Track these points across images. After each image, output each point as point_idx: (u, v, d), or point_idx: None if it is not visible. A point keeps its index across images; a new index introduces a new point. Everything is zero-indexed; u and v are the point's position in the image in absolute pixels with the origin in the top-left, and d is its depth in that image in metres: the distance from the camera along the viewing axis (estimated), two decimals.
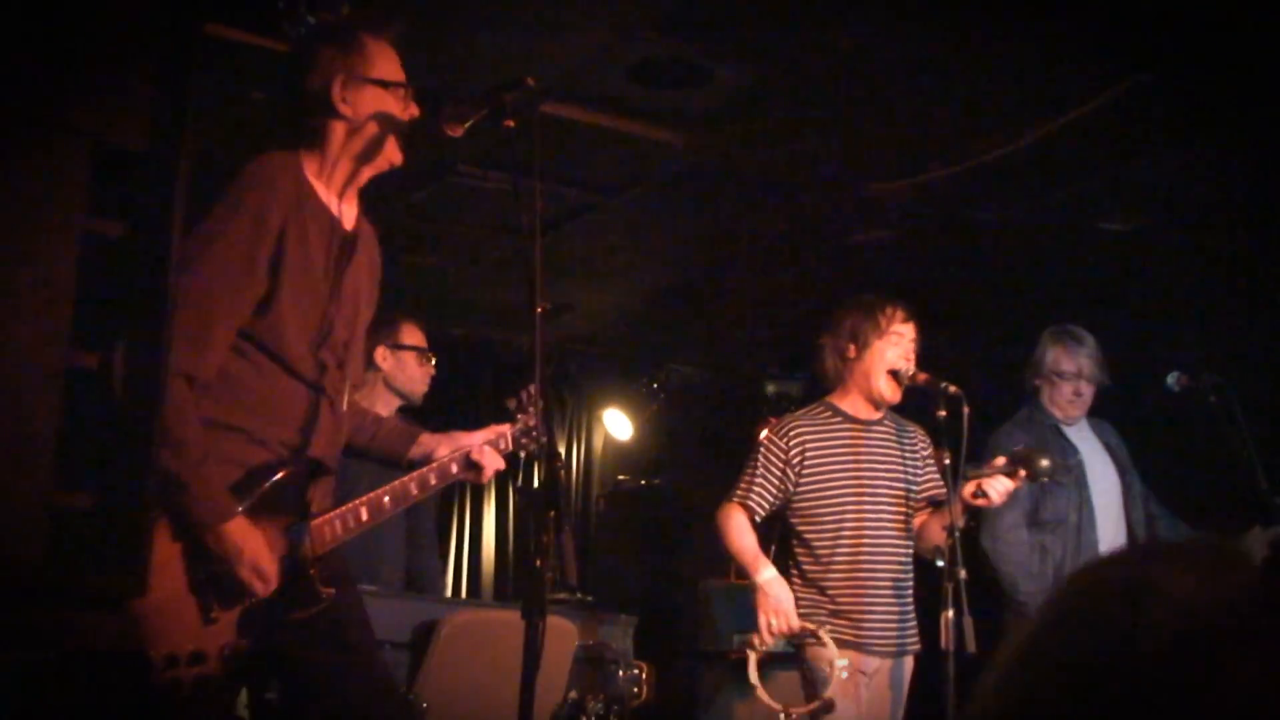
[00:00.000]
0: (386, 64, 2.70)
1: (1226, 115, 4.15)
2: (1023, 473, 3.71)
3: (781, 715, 3.67)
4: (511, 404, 3.11)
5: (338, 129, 2.64)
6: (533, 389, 3.06)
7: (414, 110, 2.69)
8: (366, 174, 2.71)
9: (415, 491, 2.82)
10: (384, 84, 2.65)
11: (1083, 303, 5.80)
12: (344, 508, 2.67)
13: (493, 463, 2.92)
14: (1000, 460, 3.75)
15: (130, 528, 1.32)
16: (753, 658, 3.81)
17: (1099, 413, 4.61)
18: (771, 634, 3.77)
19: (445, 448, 2.91)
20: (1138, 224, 5.19)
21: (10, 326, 1.30)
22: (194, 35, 1.55)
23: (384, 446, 2.96)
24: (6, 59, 1.39)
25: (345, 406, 2.74)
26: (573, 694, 3.93)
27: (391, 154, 2.69)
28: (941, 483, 3.80)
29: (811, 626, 3.75)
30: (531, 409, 3.07)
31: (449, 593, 7.42)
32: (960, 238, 5.53)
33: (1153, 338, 5.15)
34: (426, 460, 2.89)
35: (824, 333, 4.03)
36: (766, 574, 3.79)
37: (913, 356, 3.90)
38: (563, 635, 3.80)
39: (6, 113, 1.38)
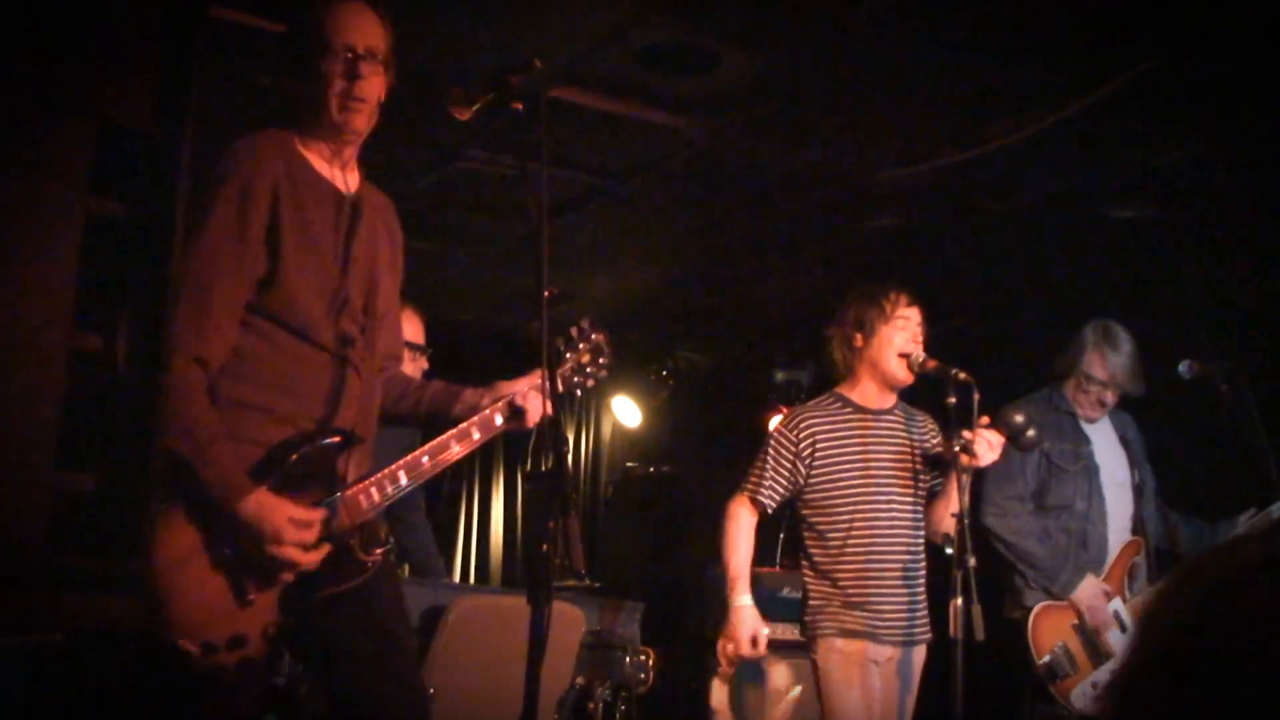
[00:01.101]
0: (341, 27, 2.57)
1: (1238, 102, 4.12)
2: (1004, 429, 3.69)
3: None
4: (560, 342, 2.95)
5: (305, 100, 2.60)
6: (585, 323, 3.00)
7: (364, 73, 2.57)
8: (344, 142, 2.64)
9: (457, 447, 2.71)
10: (321, 53, 2.54)
11: (1093, 290, 5.78)
12: (380, 473, 2.60)
13: (538, 408, 2.77)
14: (984, 419, 3.71)
15: (132, 508, 1.32)
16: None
17: (1119, 403, 4.51)
18: (728, 659, 3.77)
19: (489, 400, 2.79)
20: (1148, 211, 5.16)
21: (14, 308, 1.29)
22: (199, 17, 1.55)
23: (428, 410, 2.86)
24: (13, 39, 1.38)
25: (376, 374, 2.69)
26: (580, 680, 3.94)
27: (342, 120, 2.59)
28: (940, 445, 3.82)
29: (763, 655, 3.78)
30: (583, 345, 2.98)
31: (456, 578, 7.45)
32: (970, 225, 5.51)
33: (1164, 325, 5.12)
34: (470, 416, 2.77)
35: (830, 323, 4.02)
36: (743, 599, 3.77)
37: (920, 340, 3.88)
38: (570, 621, 3.80)
39: (12, 91, 1.37)
